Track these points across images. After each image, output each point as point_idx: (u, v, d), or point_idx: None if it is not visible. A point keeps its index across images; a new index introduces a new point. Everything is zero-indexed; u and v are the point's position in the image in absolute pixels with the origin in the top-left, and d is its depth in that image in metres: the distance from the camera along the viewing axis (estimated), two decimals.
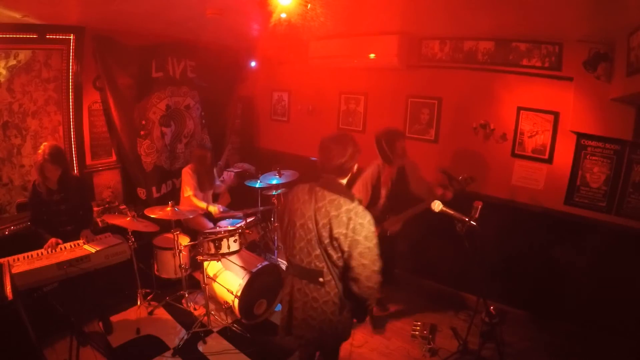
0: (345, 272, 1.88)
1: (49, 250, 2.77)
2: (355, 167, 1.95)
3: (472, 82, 3.63)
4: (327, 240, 1.82)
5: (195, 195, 3.76)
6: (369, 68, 4.16)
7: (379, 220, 3.19)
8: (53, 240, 2.84)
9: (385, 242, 3.27)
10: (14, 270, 2.46)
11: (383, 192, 3.20)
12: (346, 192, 1.89)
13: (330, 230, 1.80)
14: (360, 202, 1.88)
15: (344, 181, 1.95)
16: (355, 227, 1.78)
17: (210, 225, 3.78)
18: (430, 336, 3.14)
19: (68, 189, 2.97)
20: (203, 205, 3.72)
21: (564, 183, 3.31)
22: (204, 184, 3.89)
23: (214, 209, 3.71)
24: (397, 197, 3.22)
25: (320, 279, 1.88)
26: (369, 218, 1.83)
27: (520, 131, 3.47)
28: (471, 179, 3.04)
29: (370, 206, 3.22)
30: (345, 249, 1.81)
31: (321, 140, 1.93)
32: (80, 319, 2.90)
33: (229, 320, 3.27)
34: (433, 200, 2.56)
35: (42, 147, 2.81)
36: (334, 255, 1.84)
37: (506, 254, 3.40)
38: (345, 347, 3.03)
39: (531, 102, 3.39)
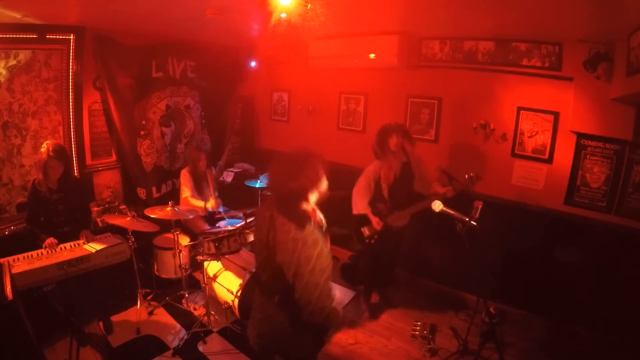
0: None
1: (49, 250, 2.77)
2: (317, 193, 1.73)
3: (472, 82, 3.63)
4: (275, 265, 1.70)
5: (192, 196, 3.76)
6: (369, 68, 4.16)
7: (383, 216, 3.20)
8: (51, 239, 2.84)
9: (390, 239, 3.32)
10: (14, 270, 2.46)
11: (384, 186, 3.20)
12: (299, 216, 1.66)
13: (277, 256, 1.68)
14: (314, 227, 1.67)
15: (308, 204, 1.73)
16: (299, 258, 1.60)
17: (208, 227, 3.78)
18: (430, 336, 3.14)
19: (67, 189, 2.97)
20: (201, 204, 3.72)
21: (564, 183, 3.31)
22: (200, 185, 3.89)
23: (211, 203, 3.71)
24: (401, 193, 3.22)
25: (276, 298, 1.78)
26: (320, 249, 1.62)
27: (520, 131, 3.47)
28: (477, 177, 3.00)
29: (376, 200, 3.23)
30: (289, 279, 1.65)
31: (273, 159, 1.75)
32: (80, 319, 2.90)
33: (229, 320, 3.26)
34: (434, 197, 2.56)
35: (45, 144, 2.84)
36: (287, 278, 1.68)
37: (506, 254, 3.41)
38: (344, 347, 3.05)
39: (531, 102, 3.39)
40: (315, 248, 1.62)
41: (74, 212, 3.06)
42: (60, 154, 2.84)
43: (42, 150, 2.82)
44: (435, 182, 3.25)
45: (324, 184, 1.74)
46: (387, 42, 3.72)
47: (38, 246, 2.82)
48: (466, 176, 3.02)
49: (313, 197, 1.74)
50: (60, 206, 2.96)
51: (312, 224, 1.67)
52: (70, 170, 3.05)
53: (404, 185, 3.23)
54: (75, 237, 2.98)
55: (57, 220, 2.97)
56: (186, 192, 3.77)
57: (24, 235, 3.10)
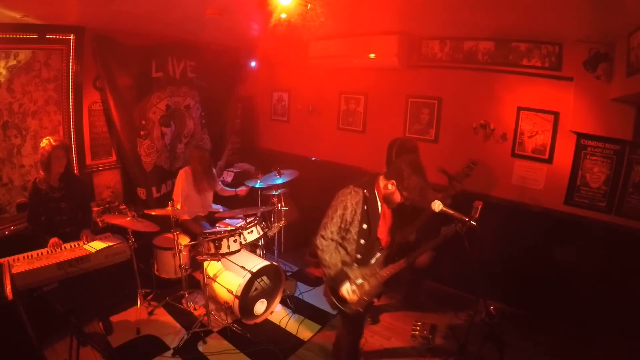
0: None
1: (53, 249, 2.77)
2: (392, 184, 2.17)
3: (472, 82, 3.63)
4: None
5: (184, 205, 3.68)
6: (369, 68, 4.16)
7: None
8: (55, 239, 2.84)
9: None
10: (14, 270, 2.46)
11: None
12: (361, 180, 2.26)
13: None
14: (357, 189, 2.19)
15: (382, 181, 2.21)
16: None
17: (204, 230, 3.75)
18: (430, 336, 3.13)
19: (69, 186, 2.98)
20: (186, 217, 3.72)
21: (564, 183, 3.31)
22: (202, 185, 3.88)
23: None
24: (404, 210, 3.18)
25: None
26: (342, 196, 2.18)
27: (520, 131, 3.47)
28: (473, 163, 2.95)
29: None
30: None
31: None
32: (80, 319, 2.89)
33: (229, 320, 3.26)
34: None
35: (46, 139, 2.87)
36: None
37: (506, 254, 3.41)
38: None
39: (531, 102, 3.39)
40: (339, 194, 2.21)
41: (75, 211, 3.06)
42: (64, 144, 2.91)
43: (44, 143, 2.85)
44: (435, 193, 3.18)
45: (399, 185, 2.14)
46: (387, 42, 3.72)
47: (39, 246, 2.82)
48: (461, 170, 2.98)
49: (384, 182, 2.19)
50: (62, 204, 2.96)
51: (358, 189, 2.20)
52: (71, 166, 3.06)
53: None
54: (77, 238, 2.98)
55: (58, 219, 2.97)
56: (177, 203, 3.62)
57: (24, 235, 3.10)
